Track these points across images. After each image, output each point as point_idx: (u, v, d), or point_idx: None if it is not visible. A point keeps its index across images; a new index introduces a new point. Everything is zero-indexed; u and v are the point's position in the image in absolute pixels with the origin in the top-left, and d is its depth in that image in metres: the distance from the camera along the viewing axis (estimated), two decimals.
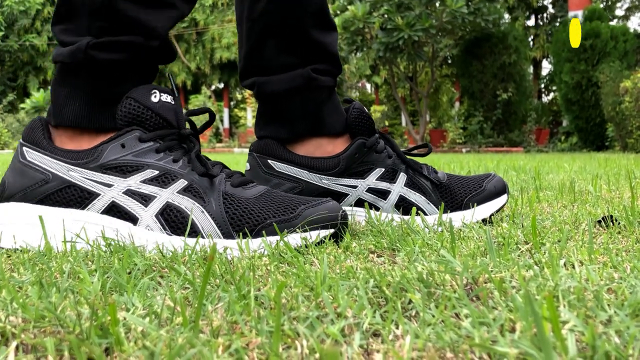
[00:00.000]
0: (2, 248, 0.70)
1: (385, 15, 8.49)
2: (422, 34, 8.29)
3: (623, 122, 6.10)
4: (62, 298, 0.45)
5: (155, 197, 0.69)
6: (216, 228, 0.68)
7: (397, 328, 0.38)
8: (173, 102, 0.74)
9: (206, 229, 0.68)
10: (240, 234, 0.67)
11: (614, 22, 11.01)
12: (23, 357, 0.34)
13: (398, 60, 9.18)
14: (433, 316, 0.39)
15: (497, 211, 0.89)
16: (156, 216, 0.69)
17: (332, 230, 0.69)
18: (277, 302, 0.35)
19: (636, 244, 0.65)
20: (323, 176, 0.86)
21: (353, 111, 0.88)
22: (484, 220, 0.86)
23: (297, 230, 0.67)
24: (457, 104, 11.21)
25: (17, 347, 0.36)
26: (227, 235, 0.68)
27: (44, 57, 15.82)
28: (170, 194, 0.69)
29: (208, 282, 0.50)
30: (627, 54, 7.29)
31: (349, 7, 8.91)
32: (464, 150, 8.75)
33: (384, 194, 0.87)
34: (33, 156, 0.72)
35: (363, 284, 0.46)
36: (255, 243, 0.66)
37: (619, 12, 13.69)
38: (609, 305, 0.41)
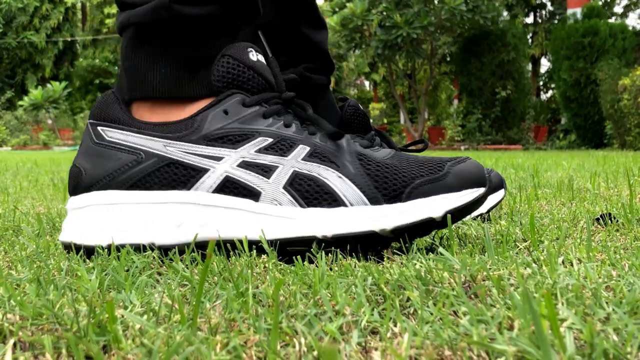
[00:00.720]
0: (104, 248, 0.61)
1: (384, 13, 8.49)
2: (420, 32, 8.29)
3: (621, 119, 6.11)
4: (60, 295, 0.45)
5: (278, 167, 0.60)
6: (360, 193, 0.58)
7: (395, 326, 0.38)
8: (268, 63, 0.66)
9: (349, 196, 0.58)
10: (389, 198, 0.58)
11: (612, 20, 11.01)
12: (20, 355, 0.34)
13: (396, 57, 9.18)
14: (431, 314, 0.39)
15: (493, 207, 0.88)
16: (285, 188, 0.59)
17: (483, 190, 0.60)
18: (275, 299, 0.35)
19: (634, 241, 0.65)
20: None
21: (348, 109, 0.87)
22: (482, 218, 0.86)
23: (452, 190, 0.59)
24: (455, 101, 11.20)
25: (14, 345, 0.36)
26: (374, 200, 0.58)
27: (42, 54, 15.79)
28: (294, 162, 0.60)
29: (206, 279, 0.50)
30: (625, 51, 7.30)
31: (347, 4, 8.91)
32: (462, 147, 8.75)
33: None
34: (115, 135, 0.62)
35: (361, 281, 0.46)
36: (410, 207, 0.58)
37: (618, 10, 13.71)
38: (607, 303, 0.41)
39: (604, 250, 0.58)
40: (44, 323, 0.38)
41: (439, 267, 0.49)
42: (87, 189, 0.62)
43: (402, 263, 0.54)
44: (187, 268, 0.54)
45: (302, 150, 0.61)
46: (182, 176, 0.60)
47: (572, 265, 0.53)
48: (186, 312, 0.41)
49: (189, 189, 0.60)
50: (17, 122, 12.91)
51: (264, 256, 0.58)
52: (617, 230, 0.73)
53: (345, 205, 0.58)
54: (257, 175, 0.60)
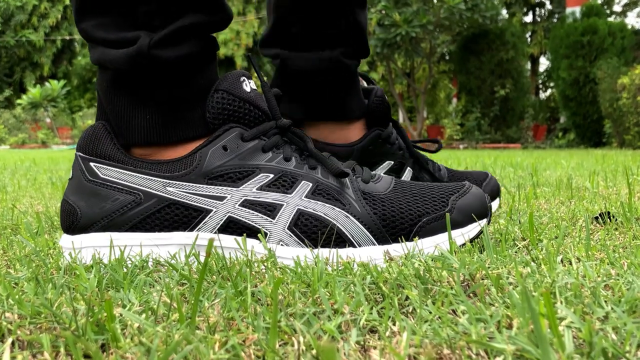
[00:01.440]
0: None
1: (383, 11, 8.48)
2: (419, 30, 8.28)
3: (620, 118, 6.11)
4: (59, 294, 0.44)
5: (282, 204, 0.58)
6: (368, 234, 0.58)
7: (394, 324, 0.38)
8: (261, 89, 0.64)
9: (356, 237, 0.58)
10: (397, 238, 0.59)
11: (611, 19, 11.01)
12: (19, 354, 0.34)
13: (395, 56, 9.17)
14: (430, 312, 0.39)
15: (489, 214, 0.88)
16: (289, 228, 0.58)
17: (485, 221, 0.62)
18: (274, 298, 0.35)
19: (633, 240, 0.65)
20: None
21: (375, 99, 0.85)
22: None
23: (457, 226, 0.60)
24: (454, 100, 11.20)
25: (12, 344, 0.36)
26: (382, 241, 0.58)
27: (41, 52, 15.77)
28: (298, 200, 0.59)
29: (204, 278, 0.50)
30: (624, 50, 7.29)
31: None
32: (461, 146, 8.75)
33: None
34: (110, 173, 0.60)
35: (360, 280, 0.46)
36: (419, 245, 0.58)
37: (617, 8, 13.71)
38: (606, 301, 0.41)
39: (603, 249, 0.58)
40: (42, 322, 0.38)
41: (437, 266, 0.49)
42: (85, 229, 0.60)
43: (401, 262, 0.54)
44: (186, 266, 0.54)
45: (305, 186, 0.60)
46: (183, 217, 0.59)
47: (570, 264, 0.53)
48: (185, 311, 0.41)
49: (191, 229, 0.59)
50: (15, 121, 12.90)
51: (262, 254, 0.58)
52: (616, 229, 0.73)
53: (354, 246, 0.58)
54: (260, 214, 0.58)
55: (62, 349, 0.35)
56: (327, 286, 0.46)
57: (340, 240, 0.58)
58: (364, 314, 0.39)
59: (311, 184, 0.60)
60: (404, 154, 0.87)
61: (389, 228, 0.59)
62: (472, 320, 0.36)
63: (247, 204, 0.59)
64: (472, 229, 0.60)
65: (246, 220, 0.58)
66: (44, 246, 0.66)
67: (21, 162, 3.61)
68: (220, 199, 0.58)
